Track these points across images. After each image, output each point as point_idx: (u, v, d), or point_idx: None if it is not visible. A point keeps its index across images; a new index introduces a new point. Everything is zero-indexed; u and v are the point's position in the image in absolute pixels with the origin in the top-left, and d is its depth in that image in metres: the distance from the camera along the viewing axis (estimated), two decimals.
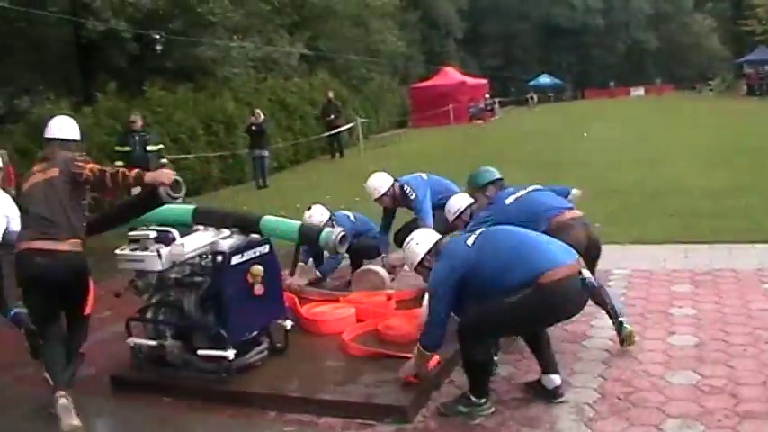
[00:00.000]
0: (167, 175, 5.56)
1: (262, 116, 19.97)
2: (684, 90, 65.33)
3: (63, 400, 5.18)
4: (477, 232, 5.18)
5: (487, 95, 47.70)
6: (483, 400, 4.97)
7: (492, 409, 4.97)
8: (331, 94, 27.66)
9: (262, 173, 20.04)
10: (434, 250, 5.19)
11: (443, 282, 4.89)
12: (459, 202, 7.00)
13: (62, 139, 5.81)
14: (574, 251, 4.93)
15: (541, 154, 19.94)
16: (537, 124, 30.53)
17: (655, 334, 6.08)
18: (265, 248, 5.87)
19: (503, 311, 4.79)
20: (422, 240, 5.29)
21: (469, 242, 5.02)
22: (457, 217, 6.94)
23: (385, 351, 5.72)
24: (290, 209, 14.35)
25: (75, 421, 5.13)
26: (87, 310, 5.77)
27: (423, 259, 5.22)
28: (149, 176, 5.52)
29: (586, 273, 4.83)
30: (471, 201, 6.81)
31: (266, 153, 20.21)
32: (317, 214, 8.14)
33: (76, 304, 5.68)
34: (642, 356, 5.62)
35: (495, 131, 31.10)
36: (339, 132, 26.91)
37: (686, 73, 75.43)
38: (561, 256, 4.80)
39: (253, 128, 19.77)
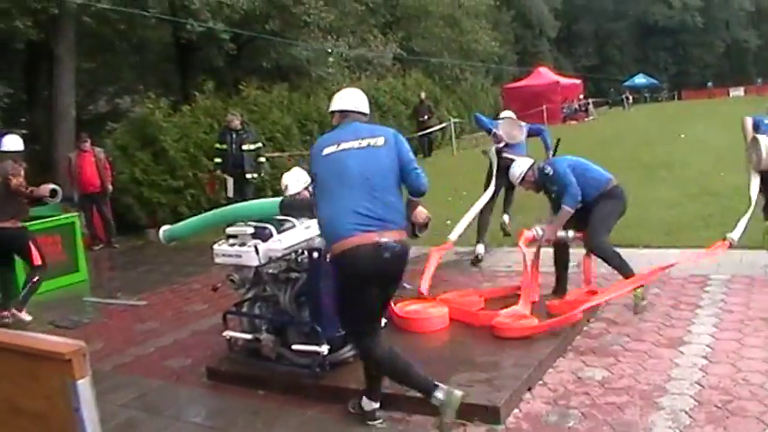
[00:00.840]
0: (44, 189, 8.72)
1: None
2: None
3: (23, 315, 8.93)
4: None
5: (581, 96, 47.10)
6: (372, 408, 5.13)
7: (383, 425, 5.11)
8: (423, 95, 27.69)
9: None
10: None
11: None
12: (521, 167, 7.76)
13: (3, 152, 9.04)
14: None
15: (637, 155, 19.53)
16: (632, 125, 30.03)
17: (755, 342, 5.90)
18: None
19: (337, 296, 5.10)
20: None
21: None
22: (522, 179, 7.74)
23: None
24: None
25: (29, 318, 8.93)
26: (35, 261, 9.09)
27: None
28: (36, 192, 8.78)
29: (384, 240, 4.71)
30: (531, 162, 7.82)
31: None
32: (293, 180, 7.25)
33: (24, 257, 9.17)
34: (741, 364, 5.46)
35: (590, 132, 30.63)
36: (431, 132, 26.94)
37: None
38: (354, 229, 4.72)
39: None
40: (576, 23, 75.03)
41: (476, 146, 30.11)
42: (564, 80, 46.85)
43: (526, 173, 7.66)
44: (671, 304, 7.06)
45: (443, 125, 28.47)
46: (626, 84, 67.91)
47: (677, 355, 5.79)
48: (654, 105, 60.37)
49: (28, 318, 8.92)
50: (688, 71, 77.32)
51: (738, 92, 65.12)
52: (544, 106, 38.66)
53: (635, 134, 26.50)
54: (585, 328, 6.55)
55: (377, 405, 5.14)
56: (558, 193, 7.34)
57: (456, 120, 29.56)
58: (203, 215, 7.39)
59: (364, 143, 5.05)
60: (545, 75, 46.42)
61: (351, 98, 5.39)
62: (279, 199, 6.48)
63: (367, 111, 5.41)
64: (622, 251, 8.22)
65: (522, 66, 53.81)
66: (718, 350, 5.76)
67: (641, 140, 24.19)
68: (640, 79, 71.28)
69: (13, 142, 9.19)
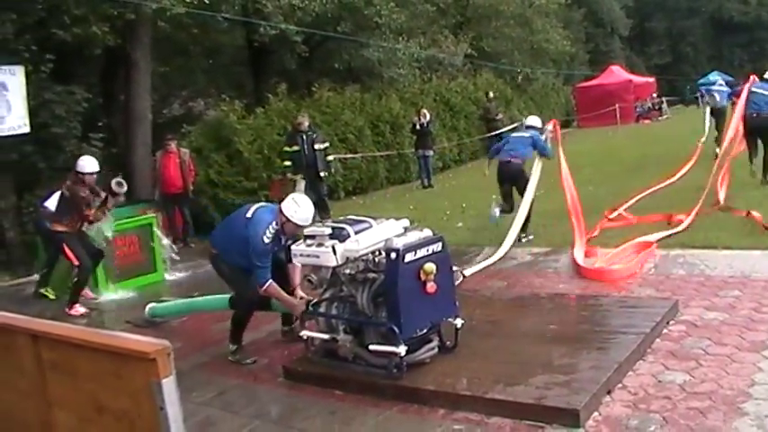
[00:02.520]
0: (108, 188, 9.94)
1: (428, 116, 20.06)
2: None
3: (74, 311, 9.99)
4: None
5: (655, 94, 46.33)
6: (234, 347, 7.04)
7: (249, 360, 6.94)
8: (491, 93, 27.73)
9: (426, 172, 20.13)
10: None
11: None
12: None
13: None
14: None
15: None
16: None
17: None
18: (438, 246, 5.89)
19: None
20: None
21: None
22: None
23: None
24: (456, 208, 14.43)
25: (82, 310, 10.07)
26: (74, 262, 9.96)
27: None
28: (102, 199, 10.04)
29: None
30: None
31: (430, 153, 20.31)
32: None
33: (66, 258, 10.14)
34: None
35: (664, 131, 30.02)
36: (502, 133, 26.93)
37: None
38: None
39: (418, 128, 19.89)
40: (649, 21, 73.77)
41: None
42: (637, 79, 46.12)
43: None
44: (752, 307, 6.84)
45: (515, 125, 28.27)
46: (701, 82, 66.50)
47: (760, 359, 5.60)
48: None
49: (81, 310, 10.03)
50: (765, 68, 75.35)
51: None
52: (617, 105, 38.05)
53: (712, 132, 25.96)
54: (665, 331, 6.41)
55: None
56: None
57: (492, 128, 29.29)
58: (183, 302, 8.78)
59: (249, 214, 6.90)
60: (617, 73, 45.75)
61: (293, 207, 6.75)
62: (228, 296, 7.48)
63: (287, 214, 6.68)
64: (698, 252, 8.88)
65: (594, 65, 53.14)
66: None
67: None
68: (715, 77, 69.73)
69: (90, 164, 10.27)
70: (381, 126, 21.34)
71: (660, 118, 41.80)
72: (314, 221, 6.62)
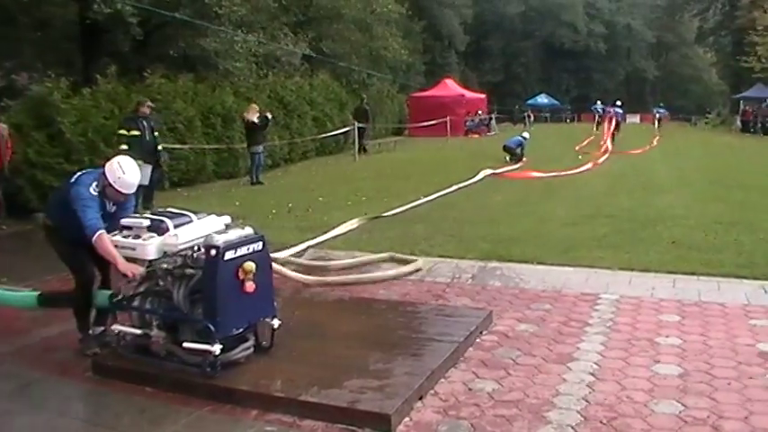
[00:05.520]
0: None
1: (258, 112, 19.93)
2: (680, 121, 65.68)
3: None
4: None
5: (483, 110, 47.78)
6: (81, 335, 6.59)
7: (91, 351, 6.36)
8: (365, 98, 31.12)
9: (256, 169, 19.98)
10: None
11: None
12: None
13: None
14: None
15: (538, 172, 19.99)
16: (533, 142, 30.65)
17: (640, 361, 6.04)
18: (259, 245, 5.84)
19: None
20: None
21: None
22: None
23: None
24: (282, 207, 14.41)
25: None
26: None
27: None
28: None
29: None
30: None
31: (261, 149, 20.17)
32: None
33: None
34: (626, 382, 5.59)
35: (490, 146, 31.01)
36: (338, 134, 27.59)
37: (683, 104, 75.63)
38: None
39: (250, 123, 19.71)
40: (485, 39, 76.27)
41: (378, 151, 30.31)
42: (469, 93, 47.47)
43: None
44: (561, 321, 7.19)
45: (347, 129, 28.50)
46: (529, 102, 69.26)
47: (565, 370, 5.89)
48: (554, 125, 61.78)
49: None
50: (588, 95, 79.26)
51: (634, 119, 67.15)
52: (448, 117, 38.94)
53: (535, 151, 27.03)
54: (478, 341, 6.61)
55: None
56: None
57: (361, 125, 29.60)
58: None
59: (73, 179, 6.43)
60: (451, 87, 46.94)
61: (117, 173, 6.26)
62: (37, 293, 7.00)
63: (110, 179, 6.20)
64: (514, 265, 9.22)
65: (430, 76, 54.31)
66: (604, 368, 5.89)
67: (542, 158, 24.70)
68: (543, 99, 72.89)
69: None
70: (213, 118, 20.98)
71: (488, 134, 43.19)
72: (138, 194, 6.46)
